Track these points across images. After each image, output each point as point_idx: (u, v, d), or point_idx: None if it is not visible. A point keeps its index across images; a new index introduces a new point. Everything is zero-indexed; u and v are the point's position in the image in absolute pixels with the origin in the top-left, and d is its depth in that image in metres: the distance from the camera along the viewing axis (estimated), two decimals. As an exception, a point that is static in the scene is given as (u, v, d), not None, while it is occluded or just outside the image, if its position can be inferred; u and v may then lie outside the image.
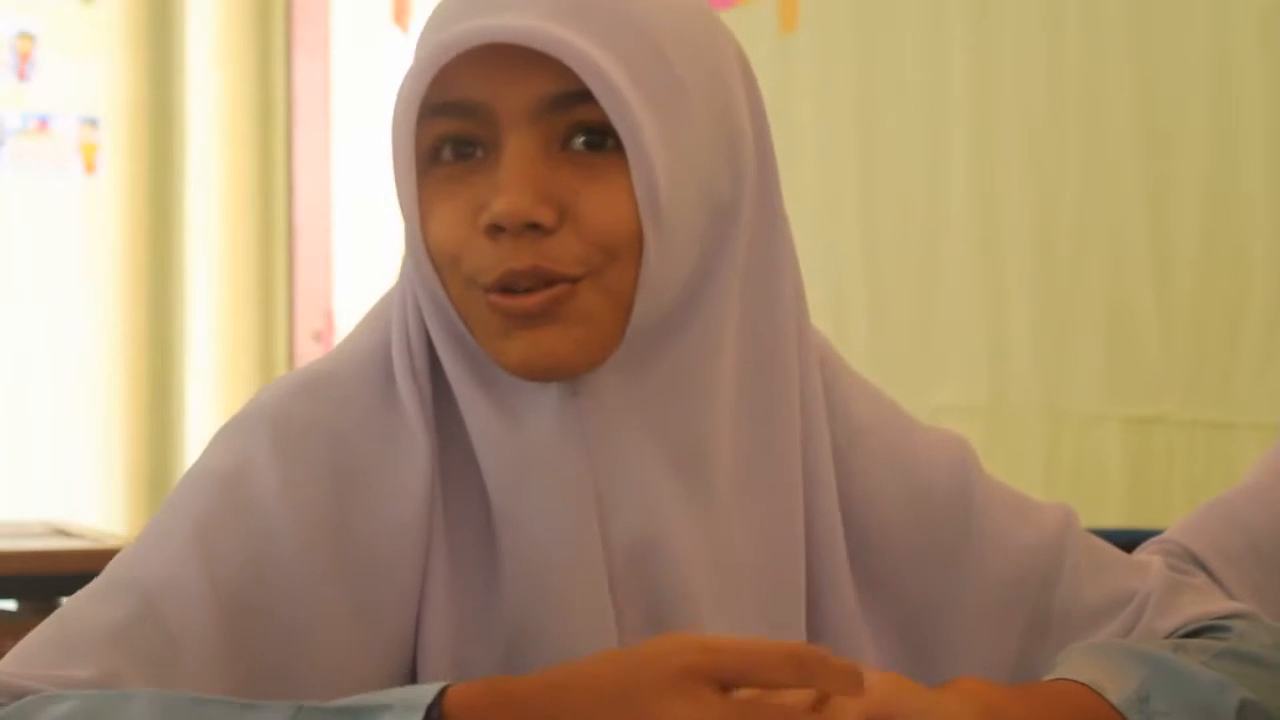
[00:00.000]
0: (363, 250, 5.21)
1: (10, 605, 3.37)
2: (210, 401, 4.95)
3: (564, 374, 1.15)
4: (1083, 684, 1.21)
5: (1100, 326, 3.01)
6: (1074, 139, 3.06)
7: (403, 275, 1.21)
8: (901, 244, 3.44)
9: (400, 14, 5.11)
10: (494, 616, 1.18)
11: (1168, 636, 1.29)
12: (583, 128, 1.12)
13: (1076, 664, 1.23)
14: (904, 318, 3.43)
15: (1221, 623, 1.29)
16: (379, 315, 1.24)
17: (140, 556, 1.16)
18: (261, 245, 5.04)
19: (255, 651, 1.14)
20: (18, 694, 1.09)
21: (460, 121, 1.13)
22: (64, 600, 1.19)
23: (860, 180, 3.53)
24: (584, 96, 1.11)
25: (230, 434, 1.20)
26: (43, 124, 4.86)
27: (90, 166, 4.90)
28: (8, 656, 1.13)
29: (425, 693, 1.03)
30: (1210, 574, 1.41)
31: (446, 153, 1.14)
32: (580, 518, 1.17)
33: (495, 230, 1.12)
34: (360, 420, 1.18)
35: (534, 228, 1.11)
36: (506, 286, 1.13)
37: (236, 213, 5.01)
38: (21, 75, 4.84)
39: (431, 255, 1.15)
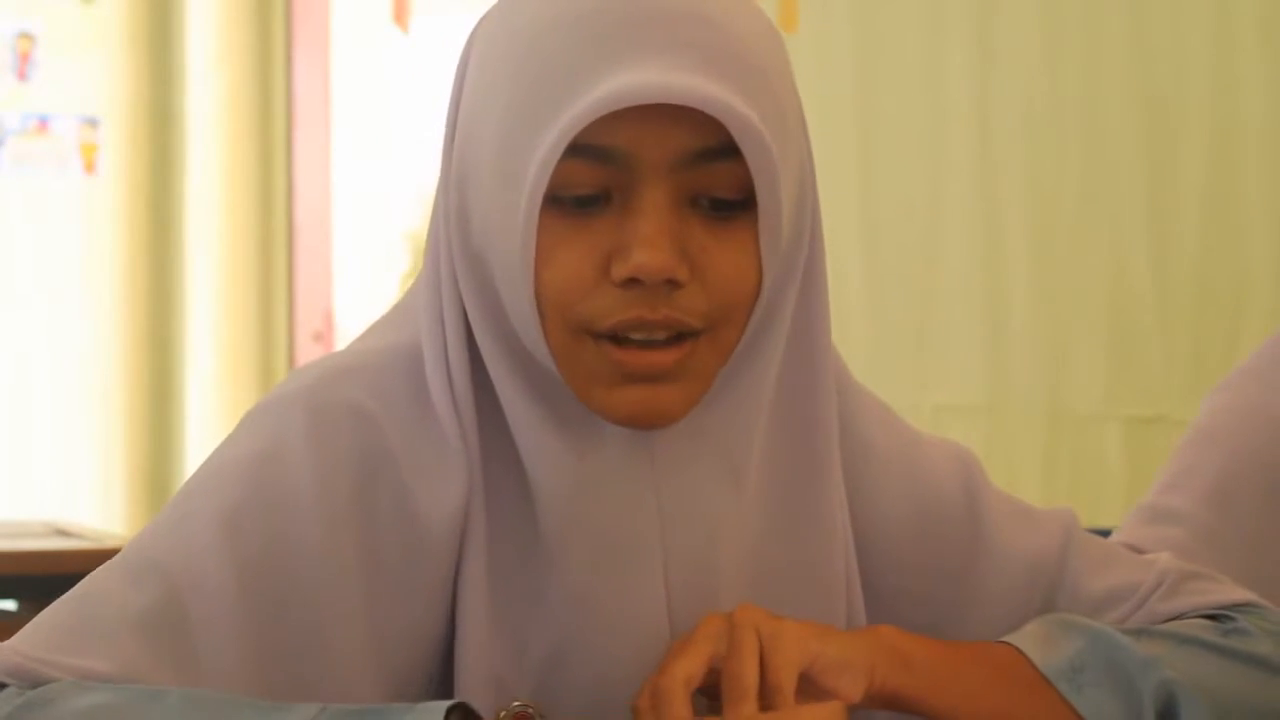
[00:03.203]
0: (363, 250, 5.21)
1: (10, 605, 3.37)
2: (210, 402, 4.95)
3: (669, 424, 1.15)
4: (1012, 646, 1.22)
5: (1100, 326, 3.01)
6: (1074, 139, 3.06)
7: (430, 282, 1.19)
8: (901, 244, 3.44)
9: (400, 14, 5.10)
10: (536, 633, 1.17)
11: (1167, 621, 1.28)
12: (711, 191, 1.11)
13: (1018, 631, 1.24)
14: (904, 318, 3.43)
15: (1225, 612, 1.29)
16: (398, 325, 1.22)
17: (167, 540, 1.15)
18: (261, 245, 5.04)
19: (275, 643, 1.13)
20: (37, 680, 1.08)
21: (597, 167, 1.10)
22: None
23: (860, 180, 3.53)
24: (720, 152, 1.10)
25: (261, 416, 1.19)
26: (43, 124, 4.86)
27: (90, 166, 4.90)
28: (24, 632, 1.12)
29: (441, 705, 1.05)
30: None
31: (570, 196, 1.11)
32: (643, 537, 1.17)
33: (632, 283, 1.10)
34: (395, 411, 1.17)
35: (669, 283, 1.10)
36: (622, 336, 1.11)
37: (236, 213, 5.00)
38: (21, 75, 4.84)
39: (542, 297, 1.12)
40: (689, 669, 1.12)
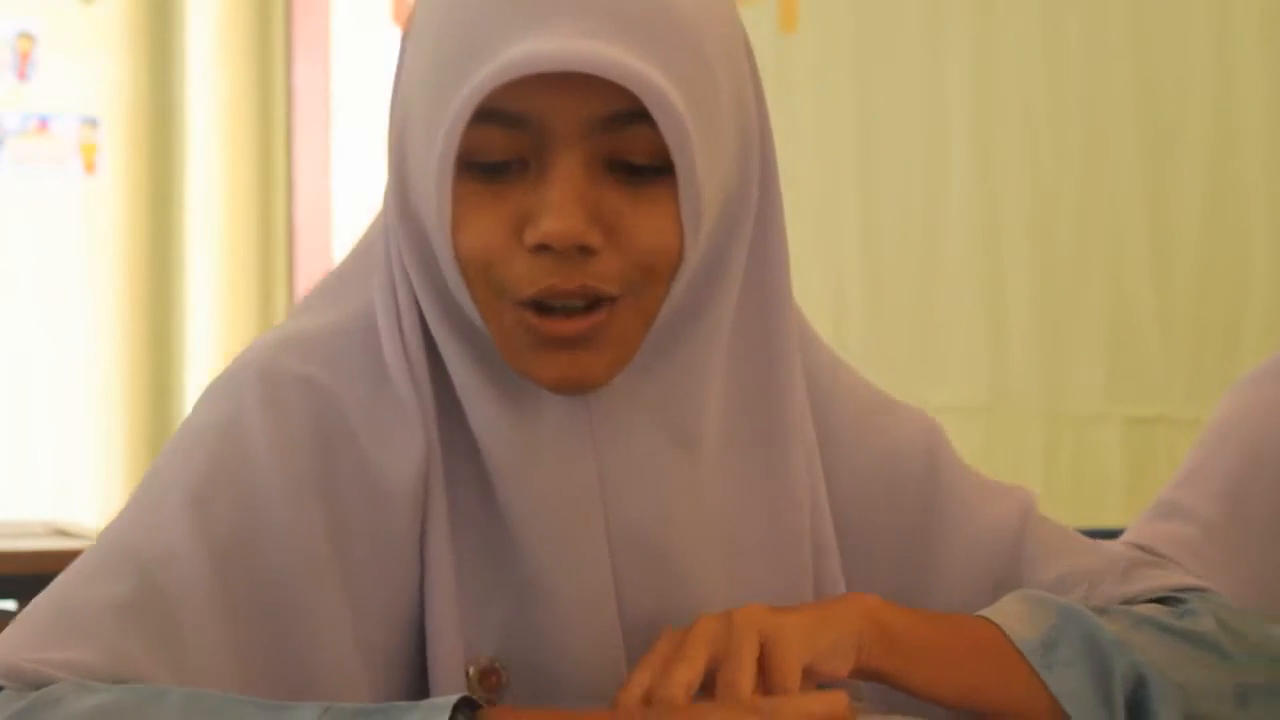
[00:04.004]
0: (363, 250, 5.20)
1: (10, 605, 3.37)
2: (210, 401, 4.94)
3: (593, 389, 1.16)
4: (990, 621, 1.22)
5: (1100, 326, 3.01)
6: (1074, 139, 3.06)
7: (390, 260, 1.20)
8: (901, 244, 3.44)
9: (400, 14, 5.10)
10: (498, 597, 1.18)
11: (1122, 604, 1.29)
12: (625, 155, 1.11)
13: (996, 605, 1.24)
14: (904, 318, 3.43)
15: (1177, 595, 1.30)
16: (342, 294, 1.22)
17: (135, 526, 1.16)
18: (261, 245, 5.04)
19: (254, 615, 1.13)
20: (34, 681, 1.08)
21: (507, 133, 1.11)
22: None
23: (860, 180, 3.53)
24: (633, 116, 1.10)
25: (218, 391, 1.20)
26: (43, 124, 4.86)
27: (90, 166, 4.90)
28: (8, 632, 1.12)
29: (448, 701, 1.05)
30: (1167, 560, 1.44)
31: (484, 161, 1.12)
32: (584, 505, 1.17)
33: (542, 249, 1.11)
34: (349, 382, 1.18)
35: (581, 249, 1.10)
36: (542, 303, 1.12)
37: (236, 213, 5.00)
38: (21, 75, 4.84)
39: (460, 262, 1.13)
40: (688, 677, 1.12)
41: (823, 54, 3.59)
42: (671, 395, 1.19)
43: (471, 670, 1.17)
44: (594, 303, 1.12)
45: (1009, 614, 1.23)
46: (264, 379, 1.17)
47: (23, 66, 4.84)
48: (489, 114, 1.10)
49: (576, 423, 1.17)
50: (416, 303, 1.18)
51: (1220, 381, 2.77)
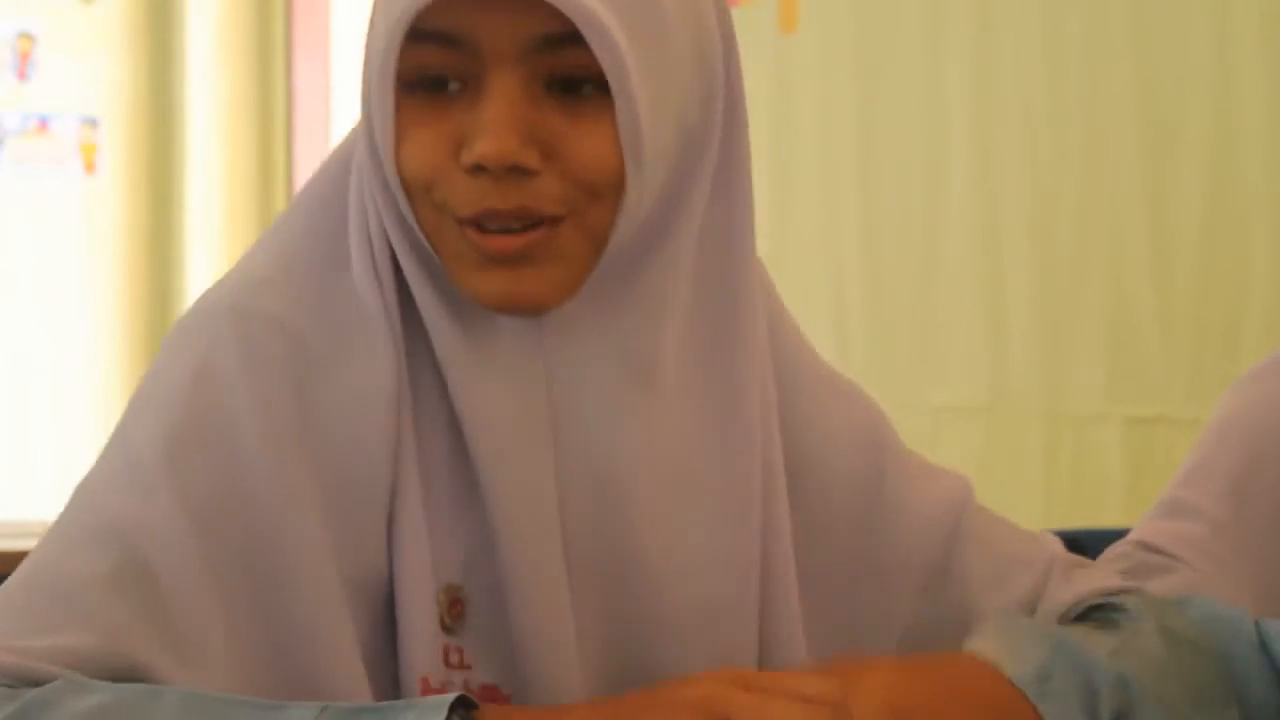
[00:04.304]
0: (363, 250, 5.20)
1: (10, 605, 3.37)
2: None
3: (536, 310, 1.16)
4: (982, 659, 1.23)
5: (1100, 326, 3.01)
6: (1074, 139, 3.06)
7: (362, 179, 1.19)
8: (901, 244, 3.44)
9: (400, 14, 5.10)
10: (463, 524, 1.17)
11: (1065, 612, 1.30)
12: (565, 72, 1.11)
13: (982, 639, 1.25)
14: (904, 318, 3.43)
15: (1114, 599, 1.31)
16: (319, 207, 1.22)
17: (111, 491, 1.14)
18: (261, 245, 5.03)
19: (239, 576, 1.12)
20: (27, 677, 1.06)
21: (443, 52, 1.12)
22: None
23: (860, 180, 3.53)
24: (571, 38, 1.10)
25: (185, 335, 1.18)
26: (43, 124, 4.86)
27: (90, 166, 4.90)
28: None
29: (444, 700, 1.05)
30: (1176, 559, 1.44)
31: (424, 81, 1.13)
32: (533, 431, 1.17)
33: (478, 169, 1.11)
34: (319, 315, 1.17)
35: (517, 169, 1.11)
36: (482, 223, 1.12)
37: (236, 213, 5.00)
38: (21, 75, 4.84)
39: (403, 179, 1.14)
40: None
41: (823, 54, 3.58)
42: (627, 328, 1.19)
43: (441, 597, 1.16)
44: (534, 223, 1.12)
45: (999, 649, 1.24)
46: (235, 321, 1.16)
47: (23, 66, 4.84)
48: (425, 34, 1.11)
49: (528, 346, 1.17)
50: (384, 226, 1.18)
51: (1220, 381, 2.77)
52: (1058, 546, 1.36)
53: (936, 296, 3.35)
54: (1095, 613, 1.31)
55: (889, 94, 3.47)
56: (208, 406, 1.14)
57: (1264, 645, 1.29)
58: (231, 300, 1.18)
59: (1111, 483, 2.97)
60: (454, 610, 1.17)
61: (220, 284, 1.21)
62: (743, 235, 1.23)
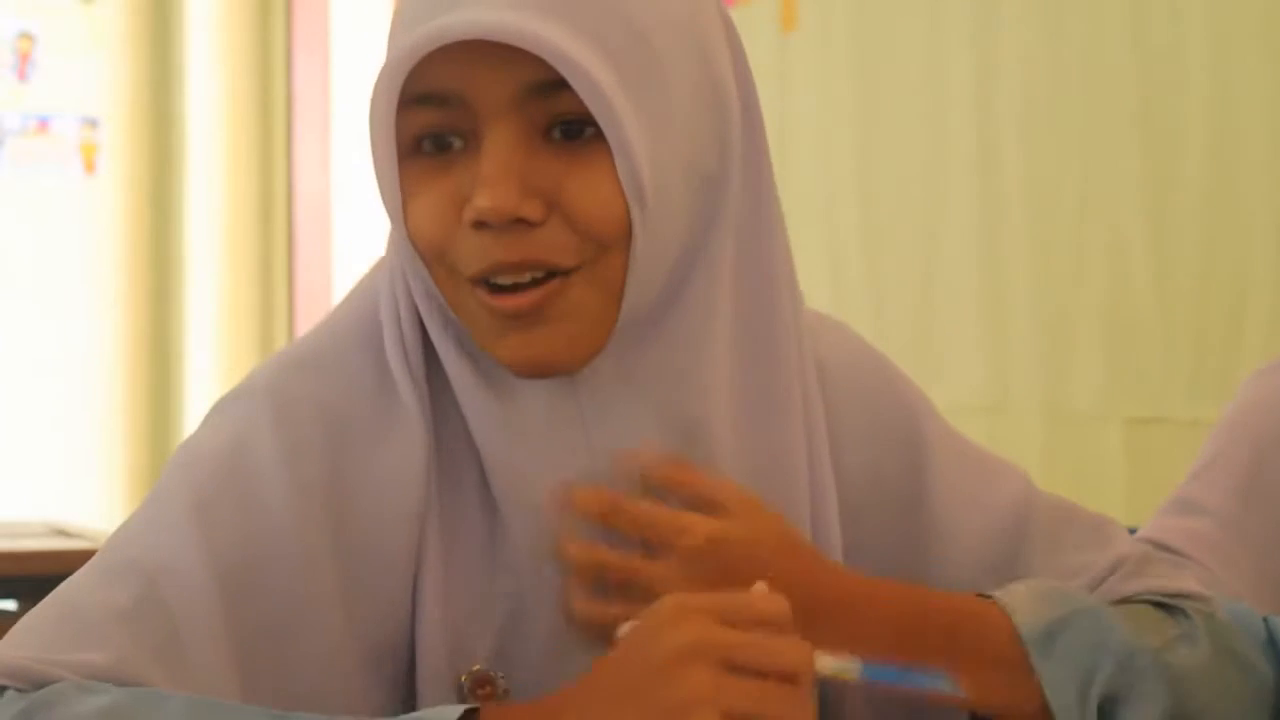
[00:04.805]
0: (363, 249, 5.21)
1: (10, 605, 3.37)
2: (210, 402, 4.95)
3: (560, 371, 1.14)
4: (999, 607, 1.21)
5: (1100, 326, 3.01)
6: (1074, 138, 3.06)
7: (390, 255, 1.20)
8: (901, 244, 3.44)
9: (400, 14, 5.10)
10: (492, 592, 1.17)
11: (1124, 600, 1.28)
12: (562, 117, 1.11)
13: (1009, 589, 1.23)
14: (904, 318, 3.43)
15: (1174, 601, 1.28)
16: (365, 290, 1.22)
17: (140, 537, 1.15)
18: (261, 245, 5.04)
19: (256, 631, 1.13)
20: (38, 680, 1.07)
21: (438, 113, 1.12)
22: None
23: (860, 179, 3.53)
24: (563, 83, 1.09)
25: (228, 407, 1.20)
26: (43, 124, 4.86)
27: (90, 166, 4.90)
28: (13, 635, 1.12)
29: (454, 711, 1.04)
30: (1185, 556, 1.45)
31: (426, 144, 1.13)
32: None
33: (480, 225, 1.10)
34: (353, 396, 1.18)
35: (521, 222, 1.10)
36: (493, 279, 1.11)
37: (236, 212, 5.00)
38: (21, 75, 4.84)
39: (416, 246, 1.14)
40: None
41: (823, 54, 3.59)
42: (662, 385, 1.17)
43: (465, 679, 1.16)
44: (545, 276, 1.11)
45: (1021, 598, 1.22)
46: (274, 401, 1.17)
47: (23, 66, 4.84)
48: (420, 97, 1.11)
49: (566, 412, 1.16)
50: (413, 300, 1.18)
51: (1220, 382, 2.77)
52: (1128, 545, 1.32)
53: (936, 296, 3.35)
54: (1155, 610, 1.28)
55: (889, 92, 3.47)
56: (240, 471, 1.15)
57: (1272, 641, 1.29)
58: (272, 380, 1.19)
59: (1111, 483, 2.97)
60: (482, 691, 1.16)
61: (267, 364, 1.22)
62: (777, 290, 1.21)
